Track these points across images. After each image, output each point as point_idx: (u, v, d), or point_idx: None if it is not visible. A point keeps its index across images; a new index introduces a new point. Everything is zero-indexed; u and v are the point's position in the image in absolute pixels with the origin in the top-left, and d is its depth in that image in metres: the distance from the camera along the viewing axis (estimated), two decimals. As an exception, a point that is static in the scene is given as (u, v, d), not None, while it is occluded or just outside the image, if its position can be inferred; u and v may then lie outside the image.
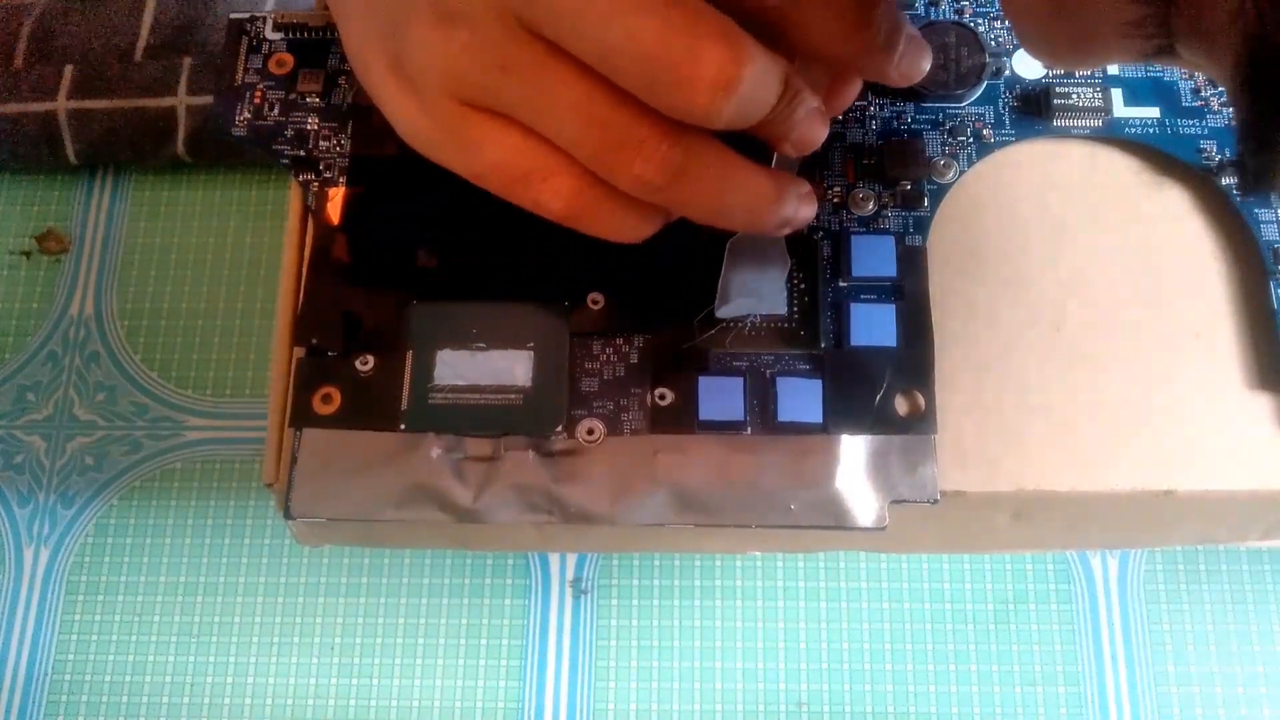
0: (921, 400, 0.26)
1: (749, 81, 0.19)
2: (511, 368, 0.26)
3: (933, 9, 0.30)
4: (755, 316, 0.27)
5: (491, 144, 0.22)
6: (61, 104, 0.40)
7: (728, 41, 0.19)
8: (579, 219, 0.23)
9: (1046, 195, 0.28)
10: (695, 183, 0.21)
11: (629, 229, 0.23)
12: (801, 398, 0.26)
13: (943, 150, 0.28)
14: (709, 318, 0.27)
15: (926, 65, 0.24)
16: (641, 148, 0.21)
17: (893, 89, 0.29)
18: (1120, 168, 0.29)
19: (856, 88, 0.25)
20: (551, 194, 0.22)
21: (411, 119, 0.23)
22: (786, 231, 0.24)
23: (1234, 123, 0.28)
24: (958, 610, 0.35)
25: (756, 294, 0.26)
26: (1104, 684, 0.35)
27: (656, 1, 0.19)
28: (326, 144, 0.29)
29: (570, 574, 0.37)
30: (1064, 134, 0.29)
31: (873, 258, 0.27)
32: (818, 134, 0.22)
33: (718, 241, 0.27)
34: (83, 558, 0.38)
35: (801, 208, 0.24)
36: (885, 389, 0.26)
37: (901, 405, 0.26)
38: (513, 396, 0.26)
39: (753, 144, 0.22)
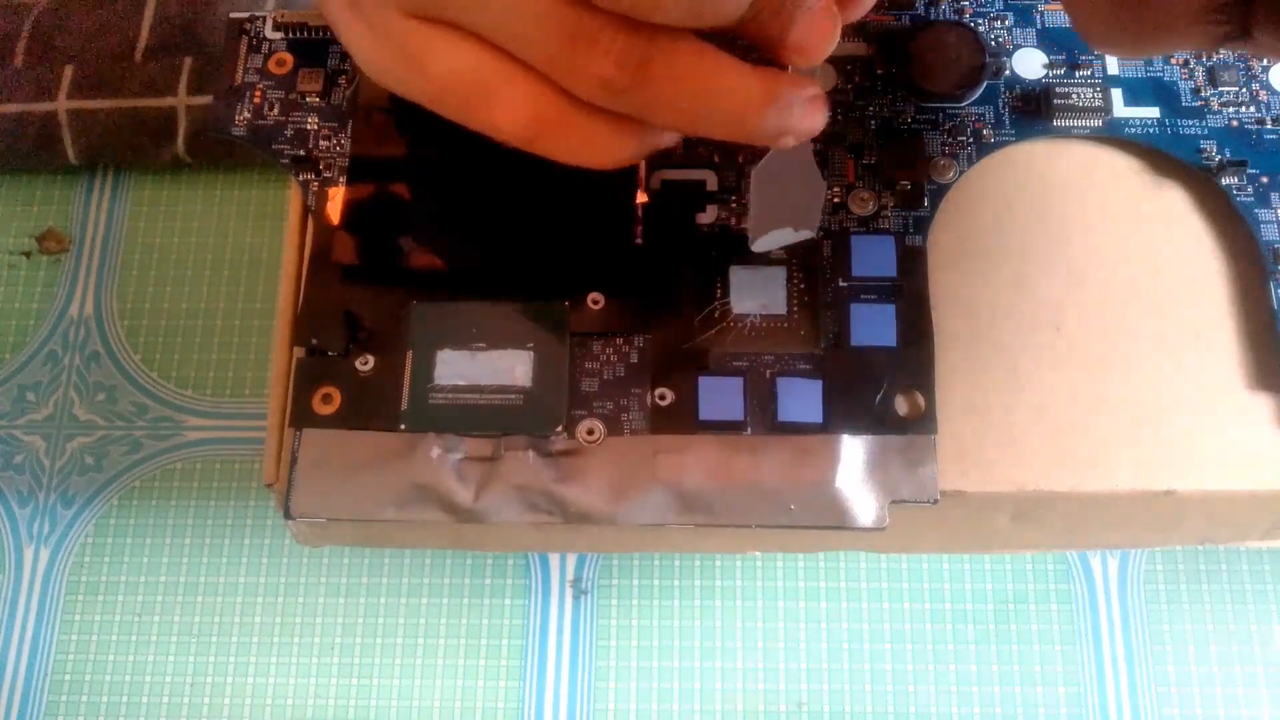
0: (921, 400, 0.26)
1: None
2: (511, 368, 0.26)
3: (932, 9, 0.30)
4: (755, 316, 0.27)
5: (440, 55, 0.20)
6: (61, 104, 0.40)
7: None
8: (542, 139, 0.21)
9: (1046, 195, 0.28)
10: (665, 82, 0.19)
11: (599, 148, 0.21)
12: (801, 398, 0.26)
13: (943, 150, 0.28)
14: (709, 318, 0.27)
15: None
16: (598, 41, 0.19)
17: (893, 88, 0.29)
18: (1120, 168, 0.29)
19: None
20: (508, 110, 0.20)
21: (364, 45, 0.22)
22: (791, 142, 0.21)
23: None
24: (958, 610, 0.35)
25: (791, 221, 0.25)
26: (1104, 684, 0.35)
27: None
28: (326, 144, 0.29)
29: (570, 574, 0.37)
30: (1064, 134, 0.29)
31: (873, 258, 0.27)
32: (819, 34, 0.19)
33: (718, 240, 0.27)
34: (83, 558, 0.38)
35: (805, 113, 0.20)
36: (885, 389, 0.26)
37: (901, 405, 0.26)
38: (513, 396, 0.26)
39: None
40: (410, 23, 0.21)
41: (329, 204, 0.28)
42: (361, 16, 0.21)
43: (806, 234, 0.26)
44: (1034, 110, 0.29)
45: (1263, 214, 0.28)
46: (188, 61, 0.40)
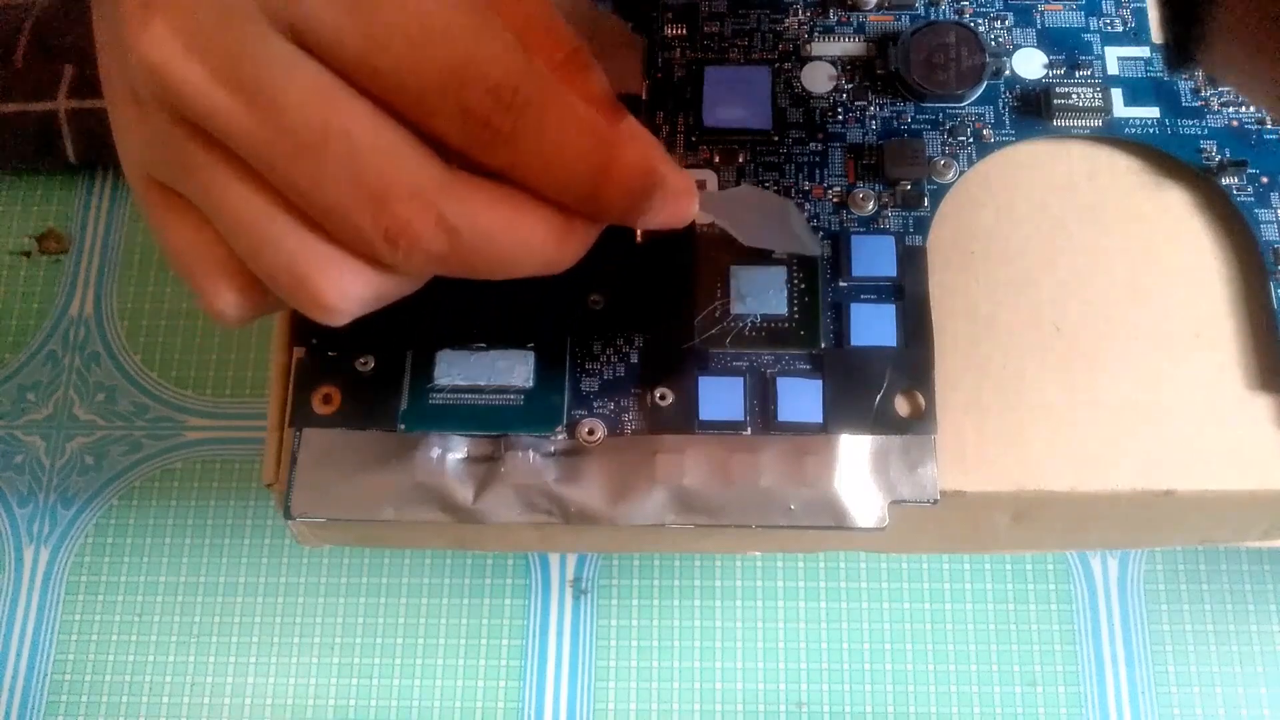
0: (921, 400, 0.26)
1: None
2: (511, 368, 0.26)
3: (933, 9, 0.30)
4: (755, 316, 0.27)
5: (170, 228, 0.20)
6: (61, 104, 0.40)
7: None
8: (246, 321, 0.21)
9: (1046, 195, 0.28)
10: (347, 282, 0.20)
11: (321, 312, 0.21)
12: (801, 398, 0.26)
13: (943, 150, 0.28)
14: (709, 318, 0.27)
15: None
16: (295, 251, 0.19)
17: (893, 88, 0.29)
18: (1120, 168, 0.29)
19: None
20: (211, 298, 0.20)
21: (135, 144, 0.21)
22: (656, 220, 0.20)
23: None
24: (958, 610, 0.35)
25: (777, 240, 0.25)
26: (1104, 684, 0.35)
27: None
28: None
29: (570, 574, 0.37)
30: (1064, 134, 0.29)
31: (873, 258, 0.27)
32: (678, 218, 0.20)
33: (718, 240, 0.27)
34: (83, 558, 0.38)
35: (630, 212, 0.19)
36: (885, 389, 0.26)
37: (901, 405, 0.26)
38: (513, 396, 0.26)
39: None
40: (150, 185, 0.20)
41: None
42: (145, 118, 0.19)
43: (811, 250, 0.25)
44: (1034, 110, 0.29)
45: (1263, 214, 0.28)
46: (188, 61, 0.40)
